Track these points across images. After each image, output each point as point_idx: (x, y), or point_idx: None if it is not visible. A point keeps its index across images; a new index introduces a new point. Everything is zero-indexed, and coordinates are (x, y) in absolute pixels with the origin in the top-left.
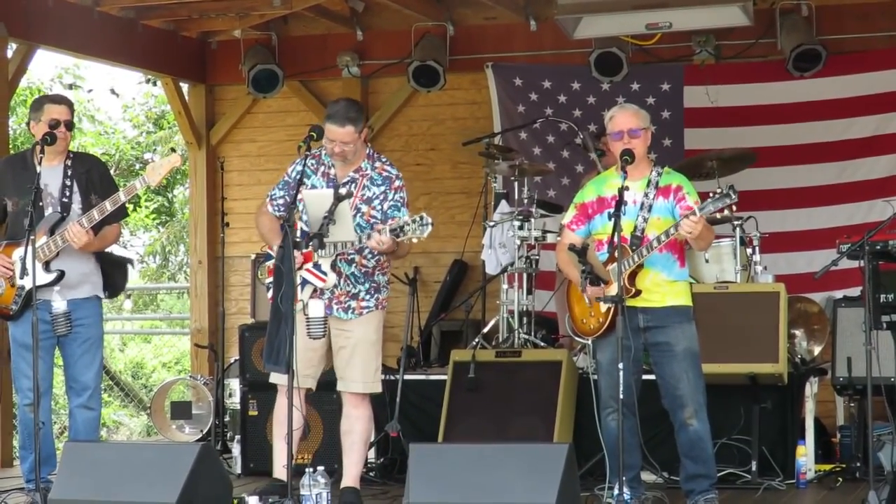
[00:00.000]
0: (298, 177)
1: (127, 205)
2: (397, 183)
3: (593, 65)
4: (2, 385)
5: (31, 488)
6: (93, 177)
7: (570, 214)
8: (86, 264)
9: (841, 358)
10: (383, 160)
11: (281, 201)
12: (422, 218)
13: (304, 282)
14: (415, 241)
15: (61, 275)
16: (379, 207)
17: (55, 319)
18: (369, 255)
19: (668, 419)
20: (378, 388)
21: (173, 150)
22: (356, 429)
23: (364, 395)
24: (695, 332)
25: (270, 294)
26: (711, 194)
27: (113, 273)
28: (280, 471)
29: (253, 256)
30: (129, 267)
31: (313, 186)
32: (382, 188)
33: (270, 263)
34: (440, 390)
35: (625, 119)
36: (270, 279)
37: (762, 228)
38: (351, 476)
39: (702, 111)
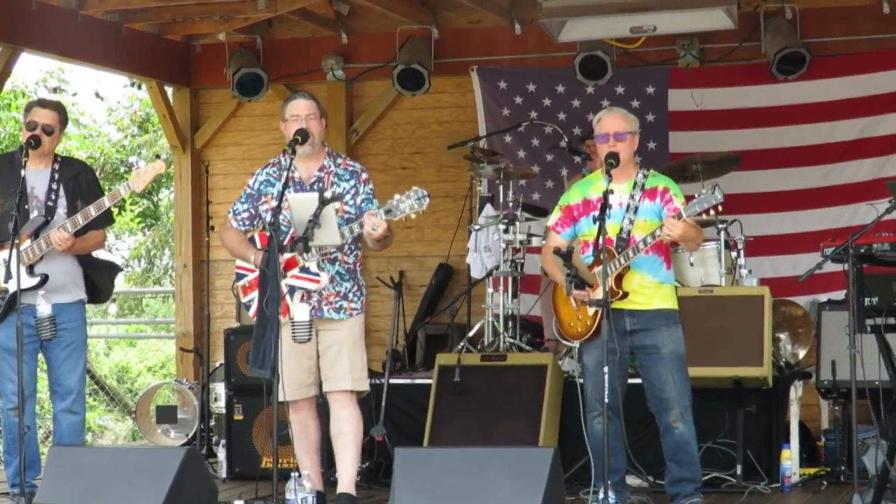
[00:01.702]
0: (268, 184)
1: (112, 210)
2: (364, 175)
3: (578, 68)
4: None
5: (16, 493)
6: (80, 182)
7: (555, 217)
8: (70, 268)
9: (825, 361)
10: (343, 157)
11: (245, 215)
12: (416, 191)
13: (293, 289)
14: (413, 216)
15: (45, 279)
16: (352, 202)
17: (39, 323)
18: (349, 251)
19: (654, 422)
20: (366, 386)
21: (158, 156)
22: (346, 430)
23: (352, 395)
24: (681, 336)
25: (252, 311)
26: (697, 195)
27: (99, 278)
28: (319, 481)
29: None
30: (117, 271)
31: (280, 193)
32: (352, 182)
33: (244, 282)
34: (425, 394)
35: (612, 122)
36: (246, 298)
37: (747, 232)
38: (346, 480)
39: (686, 114)
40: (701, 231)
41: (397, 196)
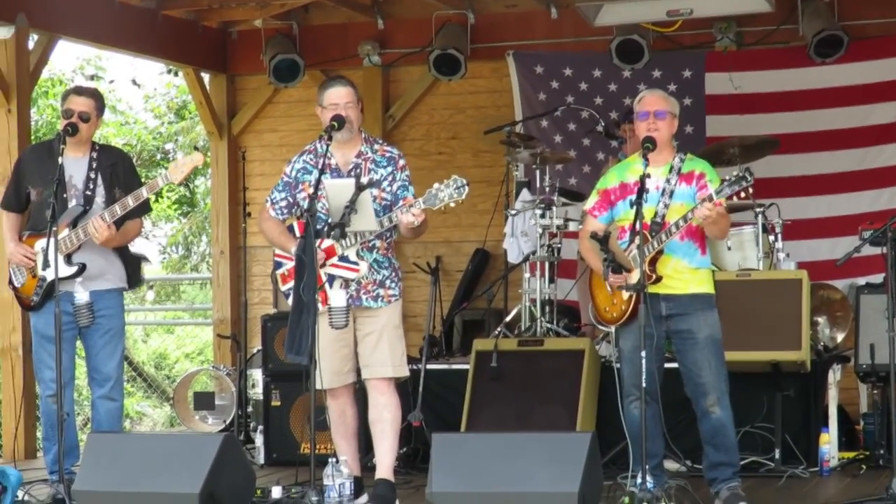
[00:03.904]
0: (305, 171)
1: (149, 198)
2: (401, 162)
3: (614, 52)
4: (25, 376)
5: (55, 480)
6: (118, 171)
7: (592, 200)
8: (107, 257)
9: (864, 345)
10: (381, 142)
11: (283, 203)
12: (456, 180)
13: (332, 278)
14: (452, 204)
15: (83, 268)
16: (389, 189)
17: (77, 310)
18: (385, 236)
19: (691, 407)
20: (406, 372)
21: (196, 148)
22: (385, 416)
23: (390, 382)
24: (717, 320)
25: (291, 300)
26: (727, 178)
27: (127, 268)
28: (357, 467)
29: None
30: (144, 263)
31: (317, 179)
32: (389, 169)
33: (283, 270)
34: (462, 379)
35: (653, 101)
36: (285, 286)
37: (784, 215)
38: (384, 466)
39: (723, 98)
40: (727, 217)
41: (436, 185)
